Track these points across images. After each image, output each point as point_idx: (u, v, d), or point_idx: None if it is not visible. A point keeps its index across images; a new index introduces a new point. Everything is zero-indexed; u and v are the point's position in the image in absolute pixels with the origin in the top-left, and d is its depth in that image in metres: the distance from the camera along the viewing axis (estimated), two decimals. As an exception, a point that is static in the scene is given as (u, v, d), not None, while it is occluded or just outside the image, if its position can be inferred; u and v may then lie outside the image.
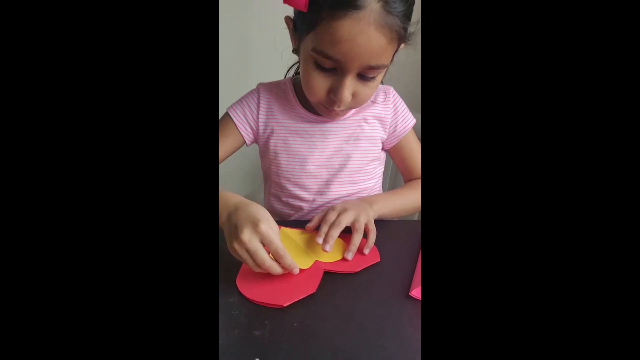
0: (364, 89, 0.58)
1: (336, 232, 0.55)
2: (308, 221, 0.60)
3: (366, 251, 0.55)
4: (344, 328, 0.42)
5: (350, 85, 0.56)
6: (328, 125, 0.71)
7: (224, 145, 0.71)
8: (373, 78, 0.57)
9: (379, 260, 0.55)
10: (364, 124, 0.72)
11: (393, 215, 0.68)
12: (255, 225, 0.46)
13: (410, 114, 0.75)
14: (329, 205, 0.69)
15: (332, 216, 0.57)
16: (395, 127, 0.74)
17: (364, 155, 0.72)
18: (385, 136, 0.74)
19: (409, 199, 0.70)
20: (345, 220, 0.57)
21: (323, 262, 0.53)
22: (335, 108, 0.60)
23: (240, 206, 0.49)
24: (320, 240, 0.54)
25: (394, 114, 0.73)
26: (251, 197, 1.05)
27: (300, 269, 0.49)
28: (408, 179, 0.79)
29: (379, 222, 0.65)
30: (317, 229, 0.58)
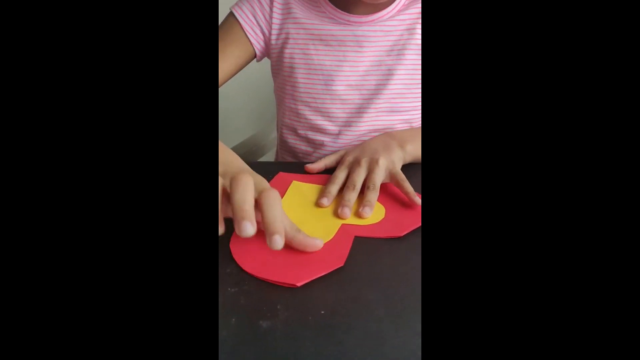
0: None
1: (352, 196, 0.41)
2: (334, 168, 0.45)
3: (366, 211, 0.39)
4: (392, 318, 0.28)
5: None
6: (365, 28, 0.52)
7: (229, 58, 0.54)
8: None
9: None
10: (416, 28, 0.53)
11: None
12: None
13: None
14: (358, 142, 0.53)
15: (341, 175, 0.43)
16: None
17: (411, 72, 0.54)
18: None
19: None
20: (360, 178, 0.42)
21: (352, 225, 0.38)
22: None
23: (245, 171, 0.36)
24: (325, 201, 0.41)
25: None
26: (261, 134, 0.89)
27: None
28: None
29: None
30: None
